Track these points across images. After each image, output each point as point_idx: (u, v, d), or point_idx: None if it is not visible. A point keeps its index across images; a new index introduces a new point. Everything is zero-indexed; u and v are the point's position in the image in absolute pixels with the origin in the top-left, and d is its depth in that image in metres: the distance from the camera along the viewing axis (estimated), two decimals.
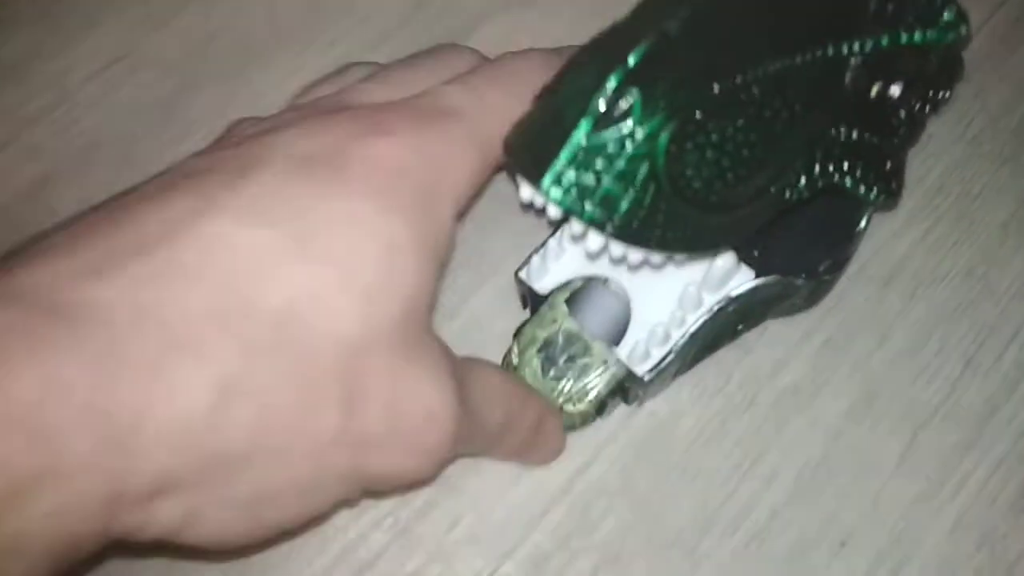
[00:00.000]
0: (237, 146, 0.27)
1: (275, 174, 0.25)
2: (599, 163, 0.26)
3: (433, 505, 0.34)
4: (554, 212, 0.27)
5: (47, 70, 0.43)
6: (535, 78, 0.29)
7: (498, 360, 0.34)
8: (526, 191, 0.27)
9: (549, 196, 0.26)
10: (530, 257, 0.35)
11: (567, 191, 0.26)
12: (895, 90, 0.31)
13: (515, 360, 0.34)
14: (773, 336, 0.36)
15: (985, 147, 0.39)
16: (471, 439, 0.29)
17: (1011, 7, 0.43)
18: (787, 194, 0.30)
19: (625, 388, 0.34)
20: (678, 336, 0.33)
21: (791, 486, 0.33)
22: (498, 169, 0.29)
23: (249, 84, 0.42)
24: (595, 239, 0.27)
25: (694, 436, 0.34)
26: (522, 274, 0.35)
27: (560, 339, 0.33)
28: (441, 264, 0.27)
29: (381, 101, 0.29)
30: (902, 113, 0.32)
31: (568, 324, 0.33)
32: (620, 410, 0.35)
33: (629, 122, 0.26)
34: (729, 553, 0.33)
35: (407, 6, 0.44)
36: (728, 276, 0.33)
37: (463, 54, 0.32)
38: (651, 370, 0.33)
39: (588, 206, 0.26)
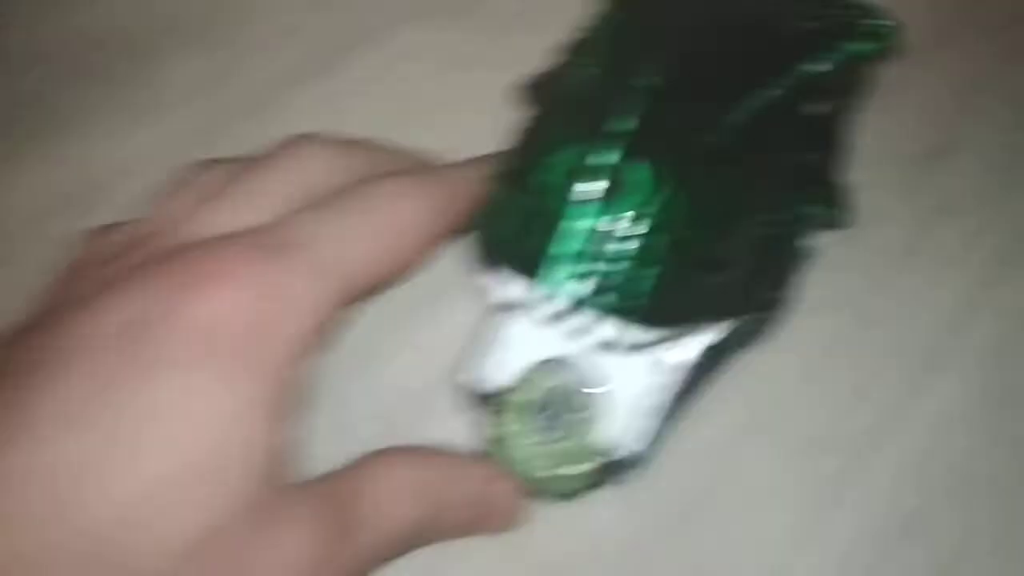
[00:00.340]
0: (49, 328, 0.25)
1: (85, 366, 0.23)
2: (615, 246, 0.25)
3: None
4: (558, 307, 0.26)
5: None
6: (401, 206, 0.28)
7: None
8: (521, 289, 0.25)
9: (564, 291, 0.25)
10: (472, 356, 0.31)
11: (583, 283, 0.25)
12: (825, 107, 0.31)
13: (495, 433, 0.30)
14: None
15: (883, 173, 0.39)
16: (380, 549, 0.27)
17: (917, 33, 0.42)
18: (773, 232, 0.29)
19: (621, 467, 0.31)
20: (662, 401, 0.30)
21: (674, 522, 0.32)
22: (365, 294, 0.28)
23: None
24: (608, 329, 0.26)
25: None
26: (465, 379, 0.31)
27: (555, 399, 0.30)
28: (291, 412, 0.26)
29: (225, 230, 0.27)
30: (834, 128, 0.32)
31: (551, 382, 0.30)
32: None
33: (639, 195, 0.24)
34: None
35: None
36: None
37: (320, 152, 0.30)
38: (645, 444, 0.30)
39: (611, 296, 0.25)
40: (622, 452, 0.30)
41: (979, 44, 0.42)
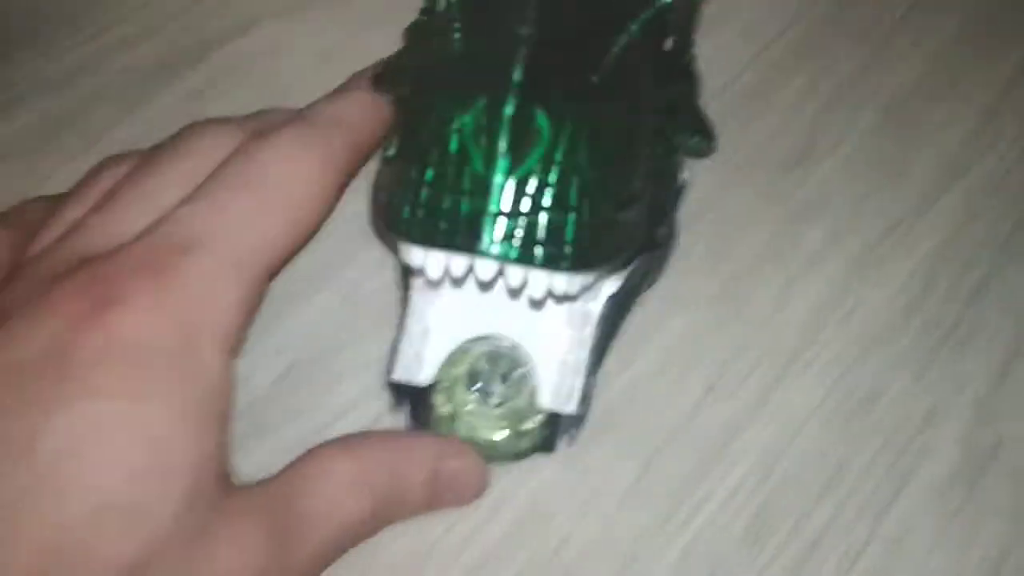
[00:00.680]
0: None
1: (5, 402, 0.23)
2: (529, 200, 0.25)
3: None
4: (488, 272, 0.25)
5: None
6: (289, 169, 0.27)
7: None
8: (441, 263, 0.26)
9: (494, 255, 0.25)
10: (396, 351, 0.31)
11: (510, 243, 0.24)
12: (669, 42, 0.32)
13: (445, 411, 0.31)
14: None
15: (744, 174, 0.39)
16: (331, 544, 0.27)
17: (780, 45, 0.43)
18: (659, 164, 0.30)
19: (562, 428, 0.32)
20: (584, 357, 0.31)
21: (522, 515, 0.31)
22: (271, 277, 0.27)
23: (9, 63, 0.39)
24: (536, 284, 0.26)
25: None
26: (396, 375, 0.31)
27: (484, 366, 0.31)
28: (223, 415, 0.25)
29: (120, 240, 0.26)
30: (687, 60, 0.33)
31: (481, 349, 0.31)
32: None
33: (541, 144, 0.24)
34: None
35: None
36: (599, 286, 0.32)
37: (215, 138, 0.29)
38: (581, 403, 0.31)
39: (538, 250, 0.25)
40: (559, 407, 0.31)
41: (844, 50, 0.43)
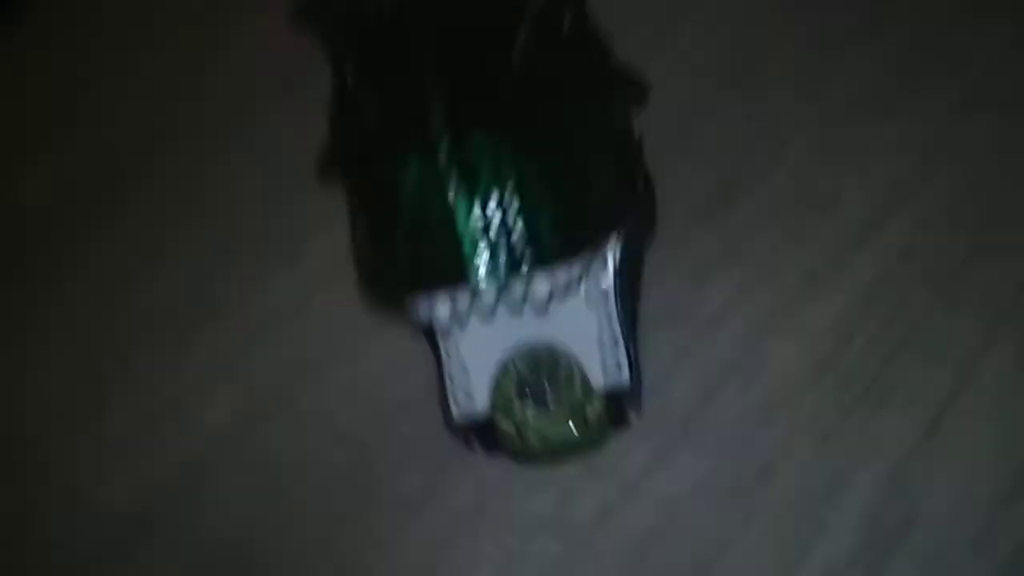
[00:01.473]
0: None
1: None
2: (499, 219, 0.28)
3: None
4: (490, 296, 0.29)
5: None
6: None
7: None
8: (446, 303, 0.29)
9: (489, 283, 0.28)
10: (447, 398, 0.33)
11: (496, 264, 0.28)
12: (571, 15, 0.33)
13: (512, 429, 0.32)
14: None
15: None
16: None
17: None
18: (605, 127, 0.32)
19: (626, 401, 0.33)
20: (616, 329, 0.33)
21: None
22: None
23: None
24: (541, 284, 0.29)
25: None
26: (457, 418, 0.33)
27: (528, 375, 0.32)
28: None
29: None
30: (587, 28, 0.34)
31: (520, 361, 0.33)
32: None
33: (488, 160, 0.28)
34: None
35: None
36: (603, 265, 0.33)
37: None
38: (631, 372, 0.32)
39: (528, 251, 0.28)
40: (612, 382, 0.32)
41: (776, 82, 0.39)
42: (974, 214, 0.35)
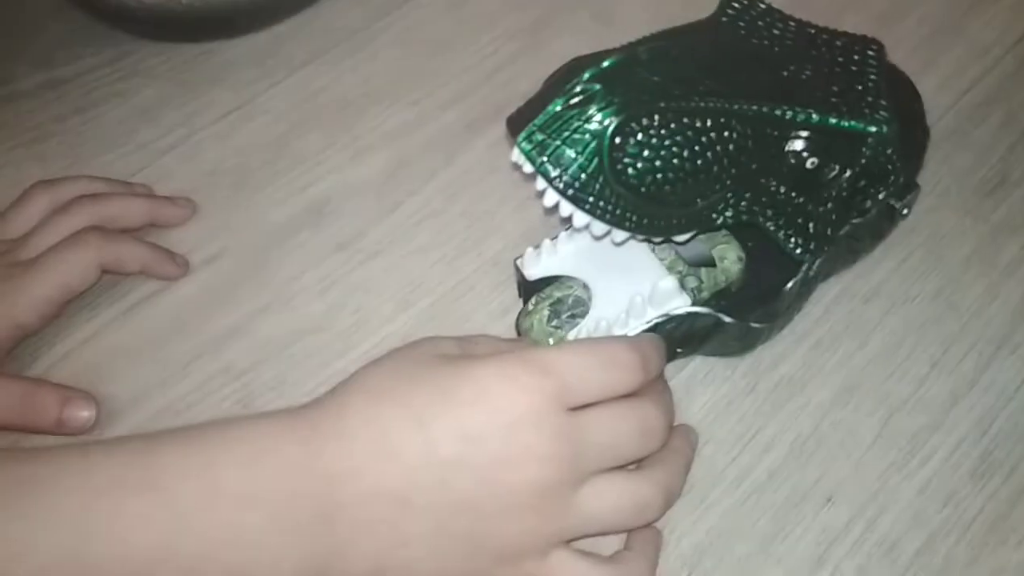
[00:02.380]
0: None
1: None
2: (562, 131, 0.34)
3: None
4: (526, 166, 0.35)
5: (177, 114, 0.53)
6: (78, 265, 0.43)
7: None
8: (512, 151, 0.36)
9: (520, 149, 0.35)
10: (526, 250, 0.43)
11: (533, 147, 0.35)
12: (828, 171, 0.39)
13: (531, 307, 0.42)
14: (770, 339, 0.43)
15: (952, 199, 0.48)
16: None
17: (975, 93, 0.52)
18: (714, 215, 0.37)
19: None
20: (619, 335, 0.40)
21: (785, 453, 0.40)
22: None
23: (347, 130, 0.51)
24: (580, 216, 0.36)
25: (705, 413, 0.41)
26: (518, 262, 0.43)
27: (570, 300, 0.42)
28: None
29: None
30: (833, 191, 0.40)
31: (579, 292, 0.42)
32: None
33: (591, 108, 0.34)
34: (732, 502, 0.39)
35: (480, 74, 0.53)
36: (669, 297, 0.40)
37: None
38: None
39: (543, 159, 0.35)
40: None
41: None
42: None
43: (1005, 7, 0.55)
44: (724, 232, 0.42)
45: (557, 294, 0.42)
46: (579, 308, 0.41)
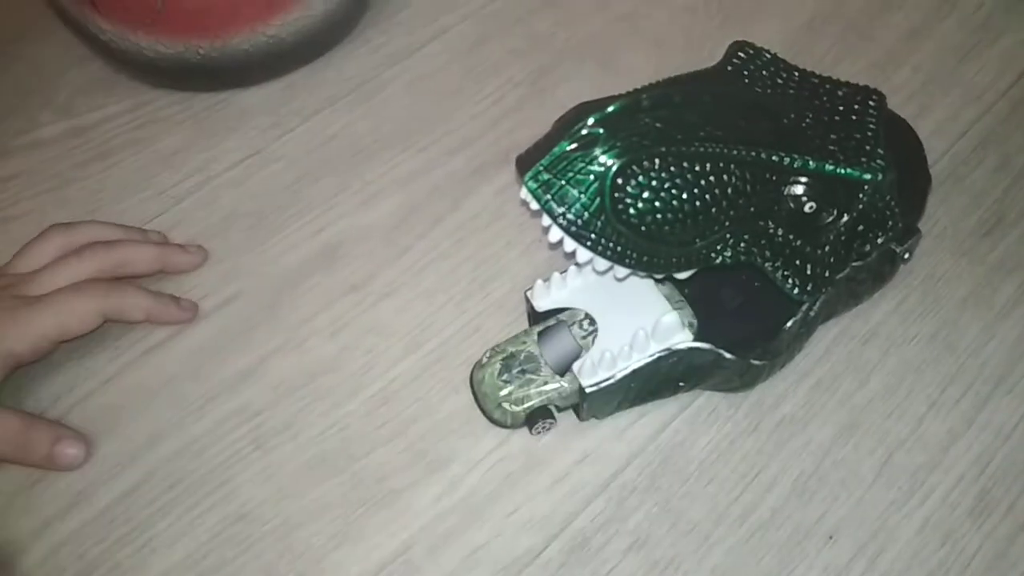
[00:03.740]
0: None
1: None
2: (567, 171, 0.36)
3: (497, 495, 0.42)
4: (532, 204, 0.36)
5: (194, 161, 0.54)
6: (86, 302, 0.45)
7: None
8: (520, 189, 0.37)
9: (527, 187, 0.36)
10: (536, 283, 0.44)
11: (539, 185, 0.36)
12: (825, 216, 0.40)
13: (484, 360, 0.43)
14: (772, 377, 0.44)
15: (947, 242, 0.49)
16: None
17: (970, 137, 0.53)
18: (712, 255, 0.39)
19: (576, 402, 0.43)
20: (622, 367, 0.41)
21: (787, 491, 0.41)
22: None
23: (358, 176, 0.53)
24: (582, 252, 0.37)
25: (708, 451, 0.42)
26: (528, 293, 0.45)
27: (522, 356, 0.43)
28: None
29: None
30: (831, 235, 0.41)
31: (532, 348, 0.43)
32: (647, 428, 0.43)
33: (596, 150, 0.36)
34: (736, 540, 0.40)
35: (487, 121, 0.55)
36: (672, 332, 0.41)
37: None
38: (592, 386, 0.41)
39: (548, 197, 0.36)
40: (570, 393, 0.42)
41: (1021, 140, 0.52)
42: None
43: (998, 53, 0.57)
44: (679, 298, 0.43)
45: (511, 349, 0.43)
46: (530, 364, 0.43)
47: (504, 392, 0.42)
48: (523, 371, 0.42)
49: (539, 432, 0.43)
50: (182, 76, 0.56)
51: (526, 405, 0.42)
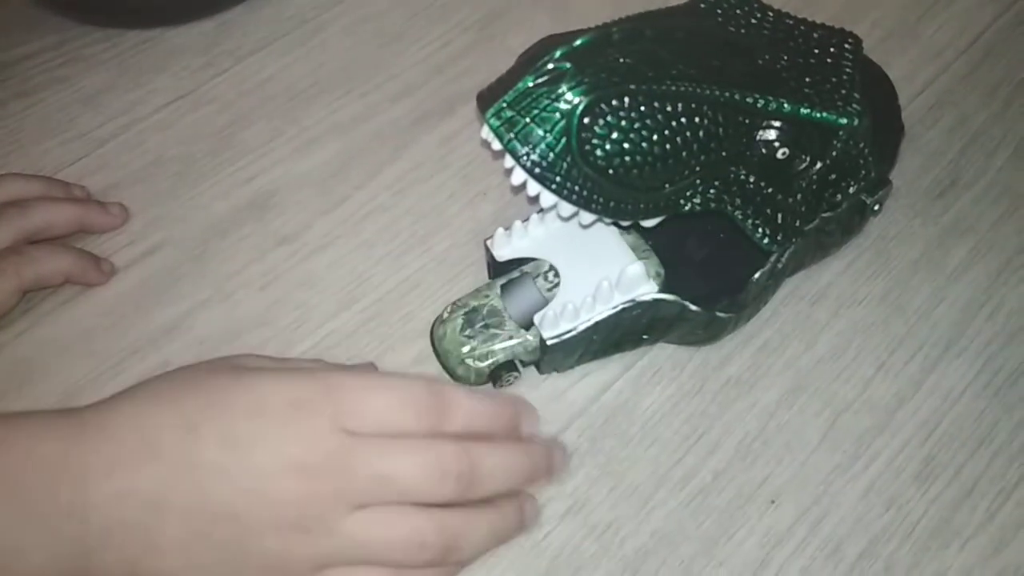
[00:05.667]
0: None
1: None
2: (531, 109, 0.34)
3: None
4: (494, 143, 0.34)
5: (119, 102, 0.51)
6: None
7: None
8: (482, 128, 0.35)
9: (489, 125, 0.34)
10: (496, 231, 0.42)
11: (502, 123, 0.34)
12: (798, 163, 0.39)
13: (444, 316, 0.41)
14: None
15: (901, 202, 0.48)
16: None
17: (927, 96, 0.52)
18: (681, 201, 0.37)
19: (536, 356, 0.41)
20: (584, 319, 0.40)
21: (731, 454, 0.40)
22: None
23: (294, 122, 0.50)
24: (546, 196, 0.35)
25: (652, 413, 0.41)
26: (488, 243, 0.43)
27: (484, 310, 0.41)
28: None
29: None
30: (803, 182, 0.40)
31: (495, 301, 0.41)
32: (589, 389, 0.42)
33: (561, 87, 0.34)
34: (677, 504, 0.39)
35: (432, 67, 0.52)
36: (636, 284, 0.40)
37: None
38: (554, 338, 0.39)
39: (511, 136, 0.34)
40: (531, 348, 0.40)
41: (975, 104, 0.51)
42: None
43: (958, 11, 0.56)
44: (645, 248, 0.42)
45: (473, 303, 0.41)
46: (493, 318, 0.41)
47: (467, 348, 0.40)
48: (486, 326, 0.40)
49: (503, 387, 0.41)
50: (109, 11, 0.53)
51: (490, 361, 0.40)
